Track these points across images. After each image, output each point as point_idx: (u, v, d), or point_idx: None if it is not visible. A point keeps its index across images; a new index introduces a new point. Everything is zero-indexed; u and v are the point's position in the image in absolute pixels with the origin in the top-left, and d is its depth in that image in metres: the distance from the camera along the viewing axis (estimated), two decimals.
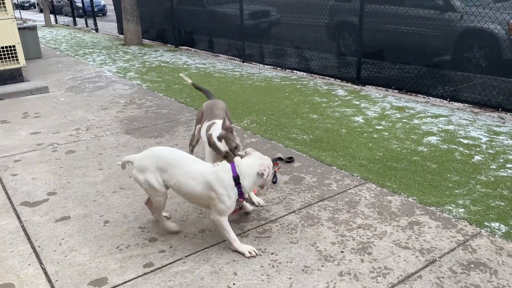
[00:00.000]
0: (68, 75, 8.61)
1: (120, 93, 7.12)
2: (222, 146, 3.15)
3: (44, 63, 10.06)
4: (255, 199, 3.52)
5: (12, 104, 6.57)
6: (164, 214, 3.24)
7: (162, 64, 9.61)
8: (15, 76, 7.49)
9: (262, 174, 2.76)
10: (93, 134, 5.18)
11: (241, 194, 2.81)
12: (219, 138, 3.17)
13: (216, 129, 3.25)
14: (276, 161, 4.24)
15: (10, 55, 7.32)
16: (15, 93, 6.99)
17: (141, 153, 2.99)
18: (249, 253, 2.83)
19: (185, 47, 12.10)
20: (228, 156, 3.14)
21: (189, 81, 4.28)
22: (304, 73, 8.33)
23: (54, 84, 7.76)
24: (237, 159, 2.86)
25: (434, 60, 6.68)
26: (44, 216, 3.38)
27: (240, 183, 2.77)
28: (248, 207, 3.34)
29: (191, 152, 4.03)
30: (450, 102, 6.15)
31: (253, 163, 2.80)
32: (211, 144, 3.21)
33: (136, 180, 2.96)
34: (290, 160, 4.28)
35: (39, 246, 2.99)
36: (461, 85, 6.35)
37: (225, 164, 2.86)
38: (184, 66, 9.38)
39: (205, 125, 3.51)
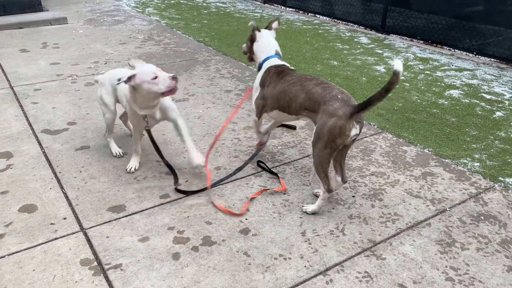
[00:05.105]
0: (86, 7, 8.47)
1: (138, 28, 7.01)
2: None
3: None
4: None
5: (31, 33, 6.54)
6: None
7: (181, 1, 9.36)
8: (34, 5, 7.39)
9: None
10: (112, 68, 5.16)
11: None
12: None
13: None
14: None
15: None
16: (34, 22, 6.93)
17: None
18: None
19: None
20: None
21: (400, 70, 2.38)
22: (327, 18, 8.06)
23: (72, 16, 7.66)
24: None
25: (464, 11, 6.38)
26: (64, 144, 3.47)
27: None
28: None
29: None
30: (477, 56, 5.95)
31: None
32: None
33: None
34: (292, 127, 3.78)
35: (60, 172, 3.10)
36: (489, 39, 6.10)
37: None
38: (204, 4, 9.13)
39: None
